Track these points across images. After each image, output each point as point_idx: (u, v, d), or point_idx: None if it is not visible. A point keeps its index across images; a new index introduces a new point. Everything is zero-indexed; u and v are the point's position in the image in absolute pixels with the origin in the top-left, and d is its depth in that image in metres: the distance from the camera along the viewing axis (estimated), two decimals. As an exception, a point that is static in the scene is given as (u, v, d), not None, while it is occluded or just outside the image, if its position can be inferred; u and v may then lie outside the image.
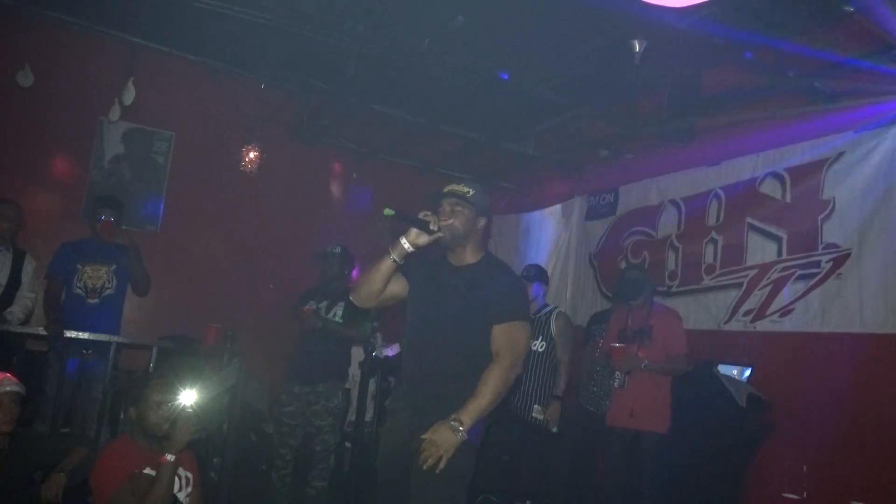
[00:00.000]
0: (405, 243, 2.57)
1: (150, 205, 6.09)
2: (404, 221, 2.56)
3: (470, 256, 2.71)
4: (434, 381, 2.60)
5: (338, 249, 4.73)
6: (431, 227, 2.55)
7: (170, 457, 2.64)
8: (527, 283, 4.69)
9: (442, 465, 2.40)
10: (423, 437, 2.46)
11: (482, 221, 2.72)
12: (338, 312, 4.64)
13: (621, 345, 4.39)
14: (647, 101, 5.49)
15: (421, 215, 2.57)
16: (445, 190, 2.71)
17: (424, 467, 2.40)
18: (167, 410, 2.74)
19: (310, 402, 4.54)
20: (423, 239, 2.57)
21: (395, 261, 2.60)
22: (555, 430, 4.61)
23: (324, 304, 4.66)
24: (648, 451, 4.23)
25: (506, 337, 2.57)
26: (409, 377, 2.73)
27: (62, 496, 2.84)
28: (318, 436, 4.54)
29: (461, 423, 2.42)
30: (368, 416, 5.14)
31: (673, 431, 4.27)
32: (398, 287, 2.73)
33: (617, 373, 4.40)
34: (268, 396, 5.95)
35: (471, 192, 2.65)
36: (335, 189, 6.87)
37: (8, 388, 3.03)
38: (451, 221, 2.62)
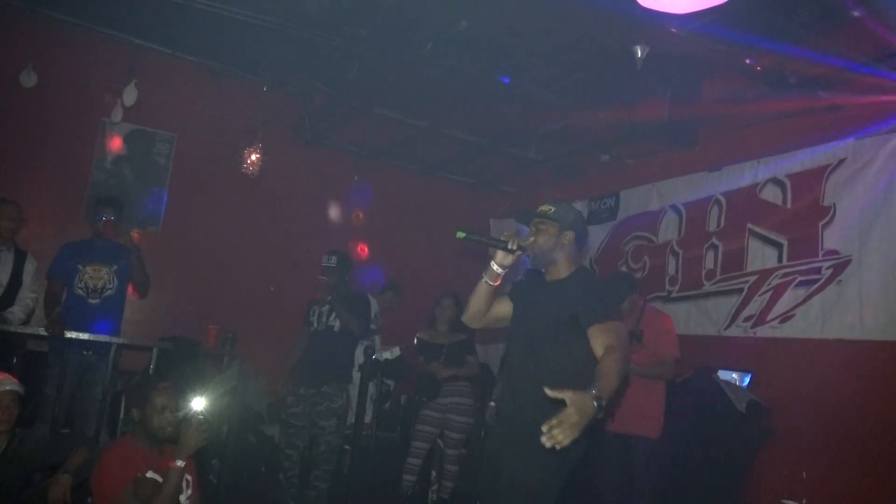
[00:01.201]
0: (494, 265, 2.67)
1: (151, 206, 6.10)
2: (479, 242, 2.64)
3: (563, 271, 2.74)
4: (529, 395, 2.56)
5: (333, 261, 4.74)
6: (510, 246, 2.61)
7: (180, 462, 2.65)
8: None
9: (566, 442, 2.04)
10: (551, 422, 2.08)
11: (569, 235, 2.74)
12: None
13: None
14: (648, 105, 5.49)
15: (502, 236, 2.65)
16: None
17: (545, 440, 2.05)
18: (171, 415, 2.74)
19: (315, 402, 4.59)
20: (509, 259, 2.65)
21: (487, 283, 2.71)
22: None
23: (330, 299, 4.71)
24: (637, 454, 4.21)
25: (610, 334, 2.49)
26: (508, 392, 2.78)
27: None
28: (323, 436, 4.58)
29: (602, 397, 2.15)
30: (367, 419, 5.14)
31: (672, 437, 4.25)
32: (505, 309, 2.84)
33: None
34: (267, 398, 5.94)
35: (552, 209, 2.72)
36: (336, 191, 6.86)
37: (7, 388, 3.03)
38: (533, 240, 2.70)
